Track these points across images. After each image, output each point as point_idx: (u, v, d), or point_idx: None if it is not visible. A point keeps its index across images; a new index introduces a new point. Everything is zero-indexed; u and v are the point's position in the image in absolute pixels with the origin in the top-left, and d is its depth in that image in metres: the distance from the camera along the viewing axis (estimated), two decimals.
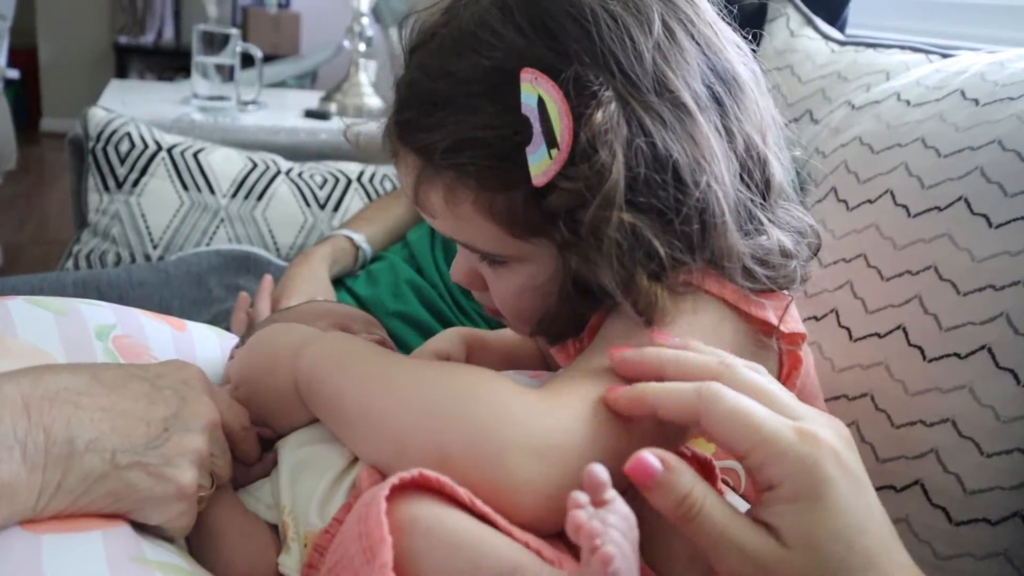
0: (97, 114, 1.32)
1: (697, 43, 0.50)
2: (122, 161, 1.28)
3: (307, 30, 4.07)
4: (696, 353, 0.44)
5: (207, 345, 0.74)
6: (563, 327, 0.55)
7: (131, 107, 1.81)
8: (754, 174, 0.52)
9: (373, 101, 2.18)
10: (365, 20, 2.17)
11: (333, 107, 2.13)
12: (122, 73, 4.33)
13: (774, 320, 0.51)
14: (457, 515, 0.40)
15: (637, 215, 0.46)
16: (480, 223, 0.51)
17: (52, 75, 4.54)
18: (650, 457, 0.38)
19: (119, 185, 1.28)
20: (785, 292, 0.53)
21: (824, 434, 0.39)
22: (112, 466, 0.45)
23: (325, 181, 1.37)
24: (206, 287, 1.14)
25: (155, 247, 1.27)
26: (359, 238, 1.12)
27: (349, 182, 1.38)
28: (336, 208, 1.36)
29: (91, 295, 1.01)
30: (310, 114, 2.02)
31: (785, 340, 0.53)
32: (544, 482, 0.41)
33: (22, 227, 3.28)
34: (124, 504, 0.46)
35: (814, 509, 0.37)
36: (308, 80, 3.23)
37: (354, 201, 1.37)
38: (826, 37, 1.06)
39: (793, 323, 0.54)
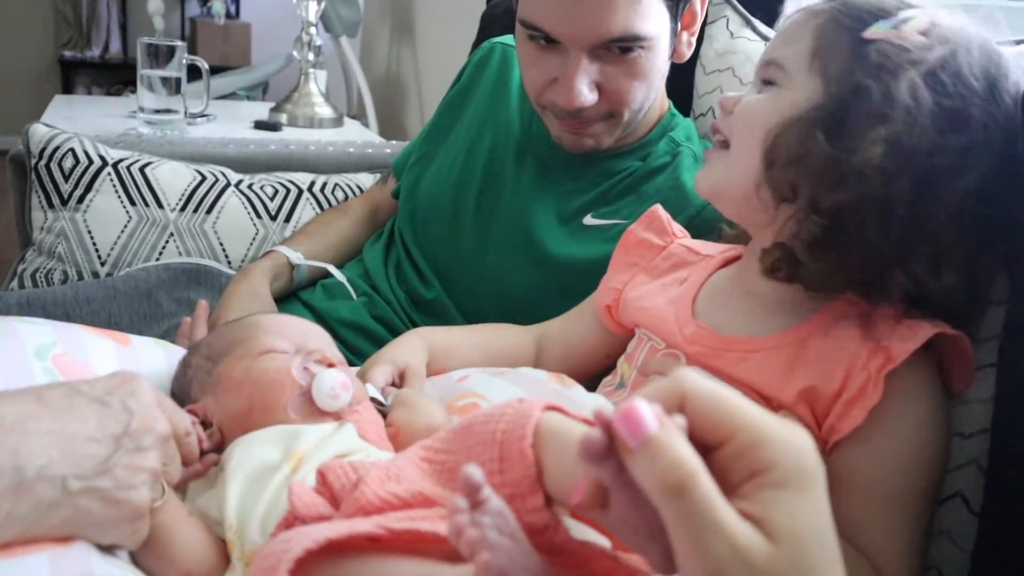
0: (39, 130, 1.29)
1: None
2: (66, 178, 1.26)
3: (257, 41, 4.02)
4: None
5: (152, 358, 0.73)
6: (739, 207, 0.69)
7: (76, 122, 1.78)
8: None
9: (324, 111, 2.17)
10: (313, 30, 2.16)
11: (283, 118, 2.11)
12: (68, 88, 4.23)
13: None
14: (357, 568, 0.41)
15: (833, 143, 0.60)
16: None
17: None
18: (643, 408, 0.32)
19: (64, 202, 1.26)
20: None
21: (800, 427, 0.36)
22: (64, 493, 0.44)
23: (276, 192, 1.36)
24: (156, 302, 1.12)
25: (103, 264, 1.25)
26: (295, 256, 1.10)
27: (300, 192, 1.37)
28: (288, 219, 1.35)
29: (36, 314, 0.99)
30: (260, 125, 2.01)
31: None
32: None
33: None
34: (78, 529, 0.46)
35: (803, 499, 0.33)
36: (260, 91, 3.20)
37: (305, 211, 1.36)
38: (764, 38, 1.08)
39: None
